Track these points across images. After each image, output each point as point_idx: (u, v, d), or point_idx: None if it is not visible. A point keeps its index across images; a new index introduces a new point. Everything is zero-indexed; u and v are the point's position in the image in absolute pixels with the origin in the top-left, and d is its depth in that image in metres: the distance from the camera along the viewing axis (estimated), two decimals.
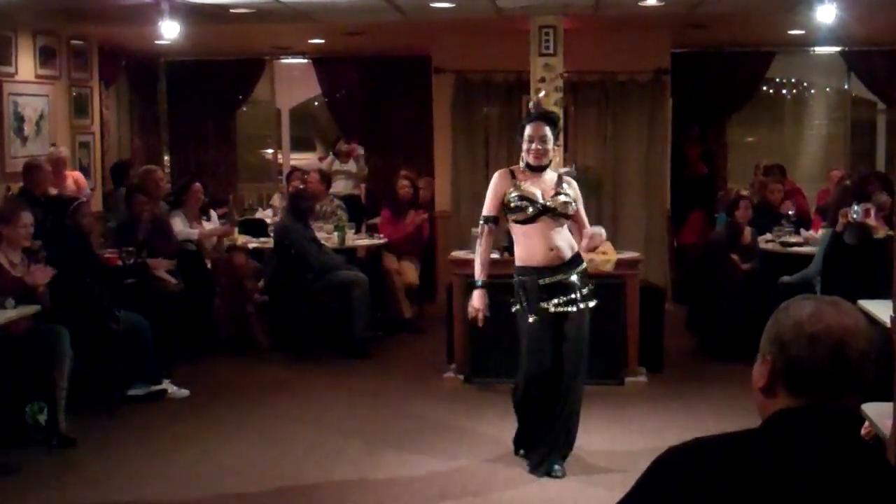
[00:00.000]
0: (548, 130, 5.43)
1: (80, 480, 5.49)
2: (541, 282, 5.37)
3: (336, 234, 9.01)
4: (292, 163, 13.34)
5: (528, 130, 5.45)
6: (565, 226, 5.46)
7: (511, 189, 5.41)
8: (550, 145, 5.45)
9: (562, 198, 5.39)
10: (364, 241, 9.46)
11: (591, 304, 5.50)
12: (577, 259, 5.46)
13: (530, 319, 5.41)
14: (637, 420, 6.53)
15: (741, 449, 1.75)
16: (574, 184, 5.60)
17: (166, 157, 12.81)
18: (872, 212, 7.09)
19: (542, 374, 5.46)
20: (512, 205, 5.40)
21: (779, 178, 10.09)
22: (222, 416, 6.73)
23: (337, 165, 11.37)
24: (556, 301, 5.37)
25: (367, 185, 12.10)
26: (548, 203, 5.36)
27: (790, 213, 9.05)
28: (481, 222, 5.58)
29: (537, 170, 5.45)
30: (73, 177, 9.15)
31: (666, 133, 10.51)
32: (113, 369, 6.76)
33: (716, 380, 7.53)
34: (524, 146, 5.45)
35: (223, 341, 8.59)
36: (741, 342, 8.04)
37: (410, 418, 6.60)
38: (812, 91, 13.58)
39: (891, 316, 5.20)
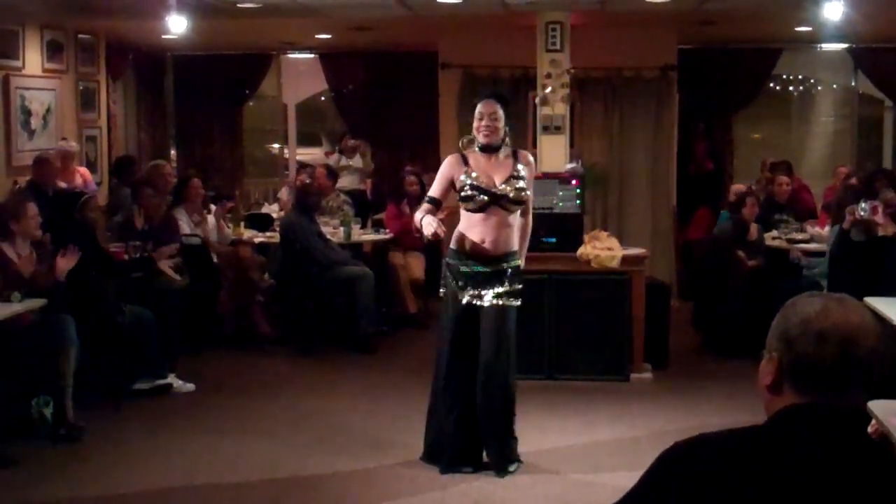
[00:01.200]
0: (499, 109, 5.31)
1: (85, 473, 5.50)
2: (462, 269, 5.29)
3: (342, 229, 9.02)
4: (298, 158, 13.36)
5: (479, 108, 5.33)
6: (515, 215, 5.32)
7: (463, 175, 5.30)
8: (501, 124, 5.30)
9: (519, 184, 5.26)
10: (370, 236, 9.46)
11: (513, 302, 5.34)
12: (508, 256, 5.32)
13: (445, 310, 5.40)
14: (642, 416, 6.53)
15: (747, 445, 1.74)
16: (532, 162, 5.43)
17: (173, 152, 12.83)
18: (880, 209, 7.07)
19: (459, 367, 5.39)
20: (463, 193, 5.29)
21: (785, 174, 10.08)
22: (227, 410, 6.74)
23: (343, 161, 11.39)
24: (472, 292, 5.28)
25: (373, 180, 12.10)
26: (500, 191, 5.24)
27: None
28: (425, 200, 5.49)
29: (489, 150, 5.33)
30: (80, 172, 9.17)
31: (672, 129, 10.51)
32: (118, 363, 6.77)
33: (721, 376, 7.53)
34: (475, 124, 5.33)
35: (228, 335, 8.61)
36: (747, 339, 8.03)
37: (415, 413, 6.59)
38: (819, 88, 13.55)
39: None
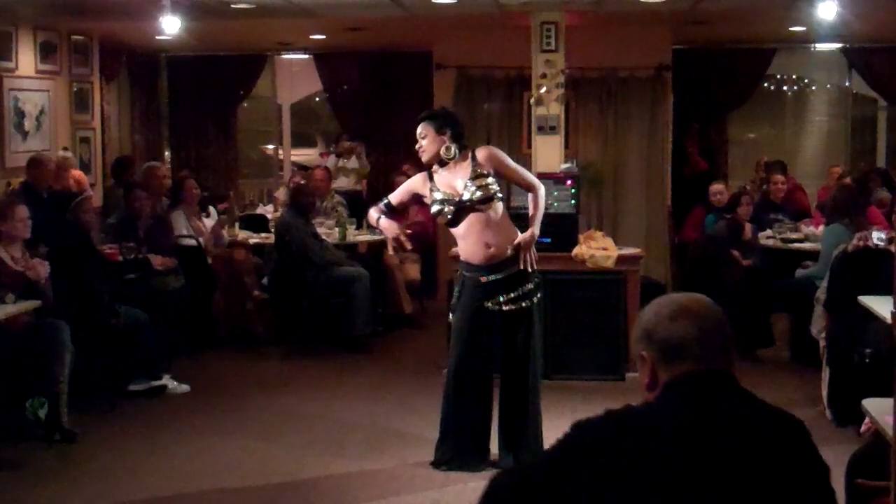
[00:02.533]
0: (426, 128, 5.40)
1: (81, 475, 5.50)
2: (482, 279, 5.29)
3: (337, 229, 9.02)
4: (293, 159, 13.36)
5: None
6: (499, 213, 5.29)
7: (428, 192, 5.38)
8: (427, 140, 5.38)
9: (483, 181, 5.24)
10: (365, 236, 9.46)
11: (536, 298, 5.39)
12: (515, 257, 5.31)
13: (461, 317, 5.39)
14: None
15: (646, 419, 1.95)
16: (491, 154, 5.38)
17: (167, 153, 12.82)
18: None
19: (468, 377, 5.40)
20: (433, 210, 5.36)
21: (780, 173, 10.12)
22: (222, 411, 6.74)
23: (340, 163, 11.37)
24: (499, 299, 5.30)
25: (370, 180, 12.10)
26: (465, 197, 5.25)
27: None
28: (381, 202, 5.61)
29: (443, 164, 5.38)
30: (75, 176, 9.15)
31: (667, 129, 10.52)
32: (113, 364, 6.76)
33: None
34: None
35: (223, 336, 8.60)
36: (741, 338, 8.06)
37: (411, 414, 6.61)
38: (813, 88, 13.58)
39: (892, 311, 5.20)
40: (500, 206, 5.34)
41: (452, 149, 5.37)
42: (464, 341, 5.41)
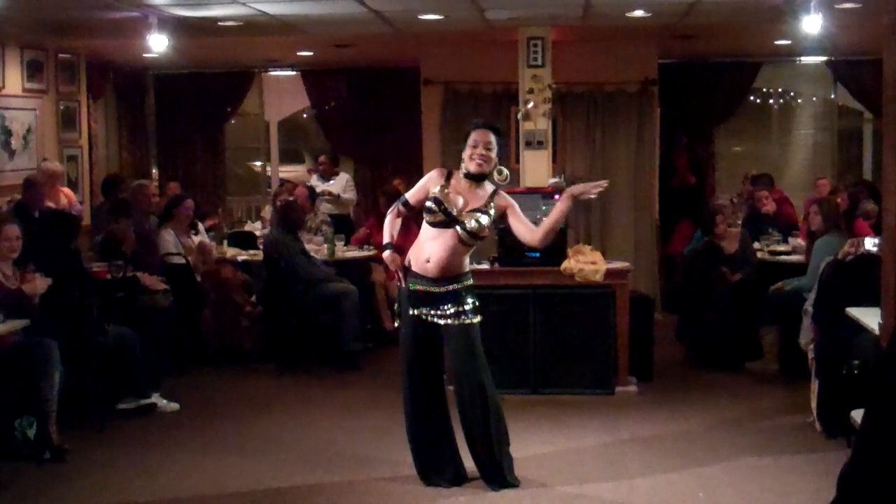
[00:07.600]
0: (493, 139, 5.29)
1: (70, 494, 5.47)
2: (411, 286, 5.30)
3: (326, 246, 9.02)
4: (281, 175, 13.35)
5: (473, 136, 5.28)
6: (469, 247, 5.28)
7: (437, 188, 5.29)
8: (494, 154, 5.29)
9: (482, 220, 5.20)
10: (353, 252, 9.45)
11: (472, 320, 5.27)
12: (455, 279, 5.25)
13: (395, 324, 5.46)
14: (628, 429, 6.52)
15: None
16: (509, 203, 5.32)
17: (154, 170, 12.81)
18: None
19: (416, 386, 5.39)
20: (426, 204, 5.28)
21: (767, 187, 10.16)
22: (212, 429, 6.71)
23: (325, 186, 11.22)
24: (424, 310, 5.27)
25: (358, 197, 12.10)
26: (458, 217, 5.21)
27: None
28: (400, 201, 5.53)
29: (475, 179, 5.30)
30: (64, 192, 9.13)
31: (654, 143, 10.56)
32: (102, 383, 6.73)
33: (705, 389, 7.55)
34: (467, 152, 5.28)
35: (212, 354, 8.58)
36: (729, 352, 8.08)
37: (401, 429, 6.58)
38: (799, 101, 13.64)
39: (878, 323, 5.23)
40: (474, 244, 5.32)
41: (505, 172, 5.34)
42: (407, 347, 5.40)
